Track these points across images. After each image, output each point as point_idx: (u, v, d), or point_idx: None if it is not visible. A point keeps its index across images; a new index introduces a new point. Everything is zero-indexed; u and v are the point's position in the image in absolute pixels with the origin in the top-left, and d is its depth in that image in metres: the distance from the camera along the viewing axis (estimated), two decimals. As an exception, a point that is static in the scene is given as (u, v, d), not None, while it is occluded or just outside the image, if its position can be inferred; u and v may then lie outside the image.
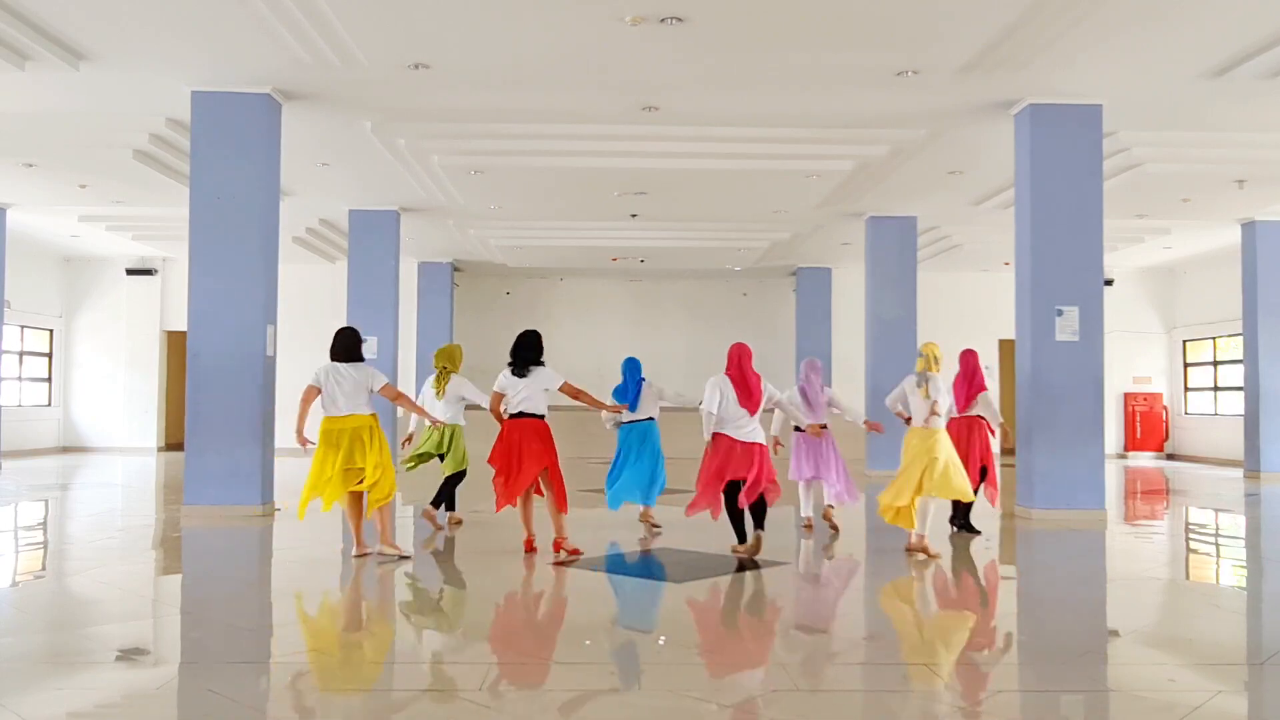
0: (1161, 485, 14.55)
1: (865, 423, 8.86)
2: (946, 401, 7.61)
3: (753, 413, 7.35)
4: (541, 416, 7.44)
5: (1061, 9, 7.52)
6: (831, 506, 8.83)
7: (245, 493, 9.32)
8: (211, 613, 5.71)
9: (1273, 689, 4.42)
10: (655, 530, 8.68)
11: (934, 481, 7.31)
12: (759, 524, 7.34)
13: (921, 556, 7.40)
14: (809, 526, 8.90)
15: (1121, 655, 5.03)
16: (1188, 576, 7.53)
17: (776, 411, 8.65)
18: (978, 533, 8.64)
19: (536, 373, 7.47)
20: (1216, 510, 11.45)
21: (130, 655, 4.79)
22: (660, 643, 5.06)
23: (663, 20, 7.67)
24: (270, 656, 4.86)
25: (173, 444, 19.62)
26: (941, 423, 7.52)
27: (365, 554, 7.27)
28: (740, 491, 7.27)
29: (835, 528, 8.75)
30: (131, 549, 7.94)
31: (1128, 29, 7.90)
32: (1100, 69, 8.76)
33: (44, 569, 7.20)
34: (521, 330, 7.65)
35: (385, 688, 4.40)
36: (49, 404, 19.41)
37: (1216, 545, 9.26)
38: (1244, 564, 8.03)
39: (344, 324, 14.94)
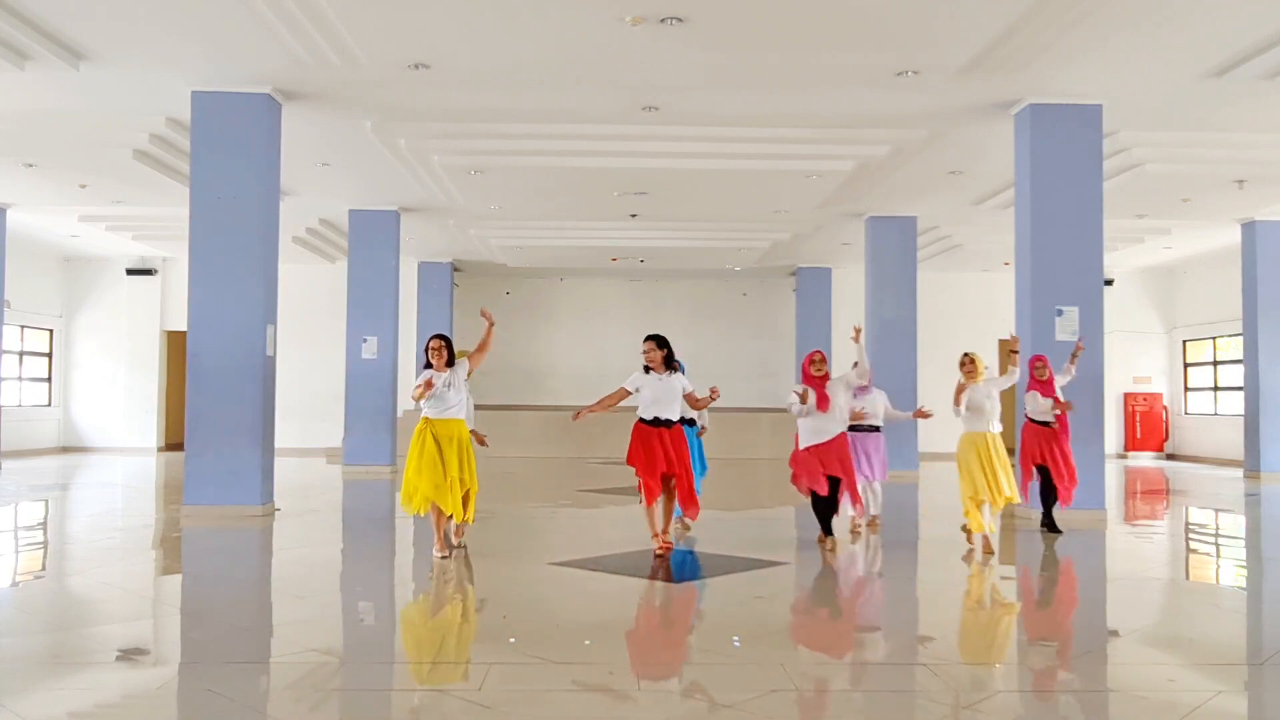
0: (1161, 485, 14.55)
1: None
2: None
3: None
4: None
5: (1061, 9, 7.52)
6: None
7: (245, 493, 9.32)
8: (211, 613, 5.71)
9: (1273, 689, 4.42)
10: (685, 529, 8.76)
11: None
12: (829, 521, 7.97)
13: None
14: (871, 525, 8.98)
15: (1121, 655, 5.03)
16: (1188, 576, 7.53)
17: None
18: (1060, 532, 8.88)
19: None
20: (1216, 510, 11.45)
21: (130, 655, 4.79)
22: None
23: (663, 20, 7.67)
24: (270, 656, 4.86)
25: (173, 444, 19.62)
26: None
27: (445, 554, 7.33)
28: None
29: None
30: (131, 549, 7.94)
31: (1128, 29, 7.90)
32: (1100, 69, 8.76)
33: (44, 569, 7.20)
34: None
35: (387, 687, 4.40)
36: (49, 404, 19.41)
37: (1216, 545, 9.26)
38: (1244, 564, 8.03)
39: (344, 324, 15.14)
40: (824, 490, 7.82)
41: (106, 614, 5.66)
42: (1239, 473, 15.66)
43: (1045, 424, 8.93)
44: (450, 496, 7.11)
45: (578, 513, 9.72)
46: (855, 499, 8.01)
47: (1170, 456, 20.17)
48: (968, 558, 7.70)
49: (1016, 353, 8.38)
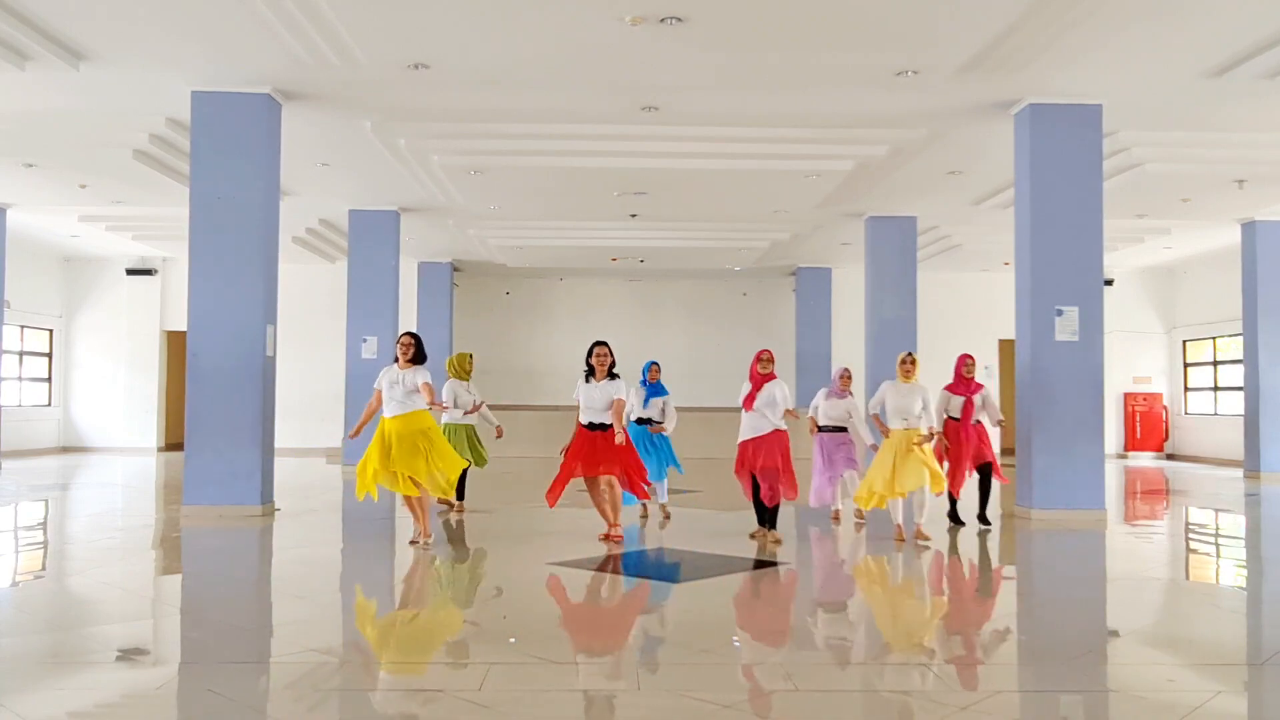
0: (1161, 485, 14.55)
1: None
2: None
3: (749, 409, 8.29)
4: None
5: (1061, 9, 7.53)
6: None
7: (245, 493, 9.32)
8: (211, 613, 5.72)
9: (1273, 689, 4.42)
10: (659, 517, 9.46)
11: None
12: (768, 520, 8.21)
13: (923, 543, 8.08)
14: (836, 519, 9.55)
15: (1121, 655, 5.03)
16: (1188, 576, 7.53)
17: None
18: (963, 524, 9.15)
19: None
20: (1216, 510, 11.45)
21: (130, 655, 4.79)
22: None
23: (663, 20, 7.67)
24: (270, 656, 4.86)
25: (173, 444, 19.62)
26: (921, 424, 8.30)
27: (414, 542, 7.85)
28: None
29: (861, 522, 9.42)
30: (131, 549, 7.94)
31: (1128, 29, 7.90)
32: (1100, 69, 8.76)
33: (44, 569, 7.20)
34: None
35: (387, 687, 4.40)
36: (49, 404, 19.41)
37: (1216, 545, 9.26)
38: (1244, 564, 8.03)
39: (344, 324, 15.16)
40: (748, 484, 8.28)
41: (106, 614, 5.66)
42: (1239, 473, 15.65)
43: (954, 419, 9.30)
44: (393, 482, 7.65)
45: (577, 513, 9.71)
46: (792, 492, 8.22)
47: (1170, 456, 20.17)
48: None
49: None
